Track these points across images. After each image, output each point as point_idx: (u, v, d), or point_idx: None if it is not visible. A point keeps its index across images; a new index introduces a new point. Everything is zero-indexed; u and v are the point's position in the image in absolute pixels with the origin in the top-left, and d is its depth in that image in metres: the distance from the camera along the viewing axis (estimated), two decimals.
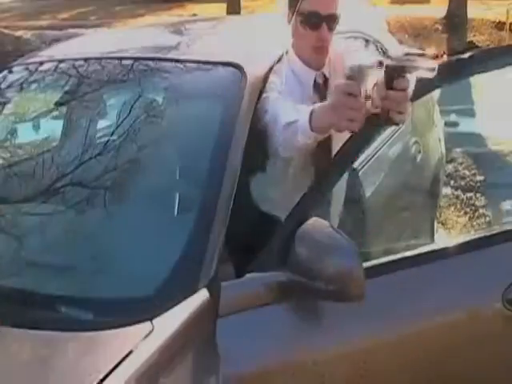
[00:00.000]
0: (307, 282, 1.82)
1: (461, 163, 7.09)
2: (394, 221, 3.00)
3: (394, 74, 1.77)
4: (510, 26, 16.65)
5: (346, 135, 2.01)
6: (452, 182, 6.51)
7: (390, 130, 3.20)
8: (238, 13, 16.29)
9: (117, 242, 2.06)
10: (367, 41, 3.13)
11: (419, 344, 2.07)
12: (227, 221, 1.90)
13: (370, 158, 2.83)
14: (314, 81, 2.27)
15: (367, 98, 1.80)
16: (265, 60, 2.36)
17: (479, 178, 6.60)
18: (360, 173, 2.68)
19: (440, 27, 18.29)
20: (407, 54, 1.80)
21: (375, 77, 1.79)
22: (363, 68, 1.79)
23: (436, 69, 1.75)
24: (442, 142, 4.25)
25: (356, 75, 1.79)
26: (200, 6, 23.76)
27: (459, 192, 6.23)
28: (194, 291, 1.79)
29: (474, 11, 19.02)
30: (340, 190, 2.38)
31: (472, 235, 2.31)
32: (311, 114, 1.92)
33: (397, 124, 1.90)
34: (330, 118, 1.84)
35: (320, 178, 2.09)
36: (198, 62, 2.42)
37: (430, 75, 1.76)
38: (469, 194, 6.12)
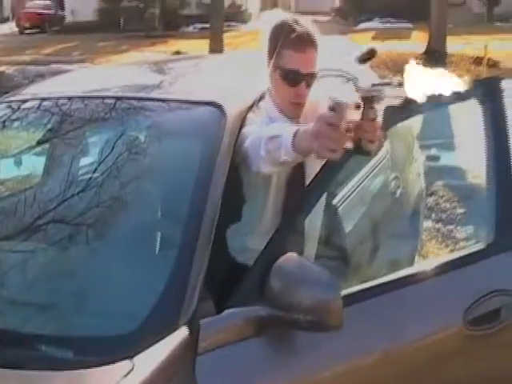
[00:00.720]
0: (285, 314, 1.85)
1: (441, 196, 7.16)
2: (375, 255, 3.03)
3: (364, 105, 1.83)
4: (487, 61, 16.93)
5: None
6: (433, 215, 6.57)
7: (369, 165, 3.26)
8: (221, 49, 16.39)
9: (98, 280, 2.07)
10: (347, 79, 3.18)
11: (392, 366, 2.16)
12: (207, 258, 1.92)
13: (350, 194, 2.88)
14: None
15: (348, 131, 1.84)
16: (245, 99, 2.40)
17: (460, 210, 6.67)
18: (339, 209, 2.72)
19: (421, 62, 18.50)
20: (374, 85, 1.84)
21: (354, 115, 1.83)
22: (344, 103, 1.83)
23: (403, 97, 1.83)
24: (422, 177, 4.30)
25: (337, 108, 1.82)
26: (183, 41, 23.92)
27: (440, 225, 6.28)
28: (174, 329, 1.80)
29: (453, 47, 19.34)
30: (316, 224, 2.41)
31: (434, 262, 2.44)
32: (295, 134, 1.96)
33: (369, 153, 1.95)
34: (311, 144, 1.87)
35: (292, 211, 2.12)
36: (180, 101, 2.47)
37: (396, 103, 1.85)
38: (450, 227, 6.18)
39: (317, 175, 2.11)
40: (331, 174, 2.15)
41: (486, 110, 2.49)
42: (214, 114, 2.27)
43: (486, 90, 2.48)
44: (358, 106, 1.81)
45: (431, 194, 7.14)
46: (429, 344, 2.25)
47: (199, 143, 2.24)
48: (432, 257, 5.17)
